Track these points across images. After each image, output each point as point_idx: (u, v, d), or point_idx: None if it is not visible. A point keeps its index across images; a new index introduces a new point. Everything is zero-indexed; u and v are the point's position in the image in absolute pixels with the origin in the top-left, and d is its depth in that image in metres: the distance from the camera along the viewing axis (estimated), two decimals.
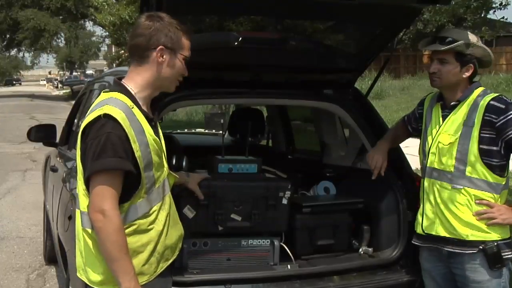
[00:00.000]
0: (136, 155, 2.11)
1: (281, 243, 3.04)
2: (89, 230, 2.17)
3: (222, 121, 3.93)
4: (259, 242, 3.00)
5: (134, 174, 2.12)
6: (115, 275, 2.09)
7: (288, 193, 3.03)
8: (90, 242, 2.18)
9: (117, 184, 2.09)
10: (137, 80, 2.22)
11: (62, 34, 45.14)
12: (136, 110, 2.15)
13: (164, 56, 2.19)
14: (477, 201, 2.61)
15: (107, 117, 2.07)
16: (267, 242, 3.01)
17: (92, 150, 2.07)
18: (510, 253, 2.63)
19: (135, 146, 2.10)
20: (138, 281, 2.12)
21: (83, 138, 2.13)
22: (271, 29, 3.48)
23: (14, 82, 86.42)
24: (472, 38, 2.64)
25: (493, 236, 2.61)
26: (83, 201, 2.19)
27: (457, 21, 25.88)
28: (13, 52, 53.74)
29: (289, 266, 2.99)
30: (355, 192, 3.33)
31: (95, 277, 2.19)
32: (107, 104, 2.12)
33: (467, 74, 2.66)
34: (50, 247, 5.02)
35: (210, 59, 2.97)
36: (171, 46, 2.19)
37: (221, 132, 3.80)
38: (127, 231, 2.13)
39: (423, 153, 2.80)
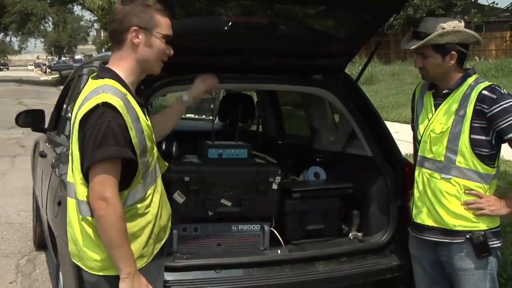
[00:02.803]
0: (133, 142, 2.12)
1: (271, 228, 3.05)
2: (90, 218, 2.17)
3: (212, 106, 3.92)
4: (249, 227, 3.01)
5: (134, 161, 2.13)
6: (116, 261, 2.12)
7: (278, 178, 3.04)
8: (89, 230, 2.18)
9: (117, 171, 2.10)
10: (121, 65, 2.22)
11: (50, 18, 44.62)
12: (130, 97, 2.16)
13: (140, 37, 2.20)
14: (467, 191, 2.61)
15: (106, 105, 2.05)
16: (257, 227, 3.02)
17: (93, 139, 2.05)
18: (497, 241, 2.64)
19: (132, 134, 2.11)
20: (136, 267, 2.15)
21: (81, 127, 2.10)
22: (261, 14, 3.46)
23: (1, 67, 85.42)
24: (448, 25, 2.59)
25: (481, 226, 2.61)
26: (81, 190, 2.17)
27: (446, 6, 25.87)
28: (0, 36, 53.14)
29: (279, 251, 3.01)
30: (345, 177, 3.35)
31: (94, 264, 2.20)
32: (103, 92, 2.09)
33: (452, 62, 2.63)
34: (40, 232, 5.01)
35: (200, 44, 2.95)
36: (144, 26, 2.20)
37: (211, 117, 3.79)
38: (126, 216, 2.14)
39: (417, 142, 2.81)
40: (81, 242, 2.22)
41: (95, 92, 2.11)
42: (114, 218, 2.07)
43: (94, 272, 2.21)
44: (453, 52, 2.61)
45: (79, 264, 2.28)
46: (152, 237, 2.26)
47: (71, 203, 2.25)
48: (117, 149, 2.06)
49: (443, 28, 2.58)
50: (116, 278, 2.14)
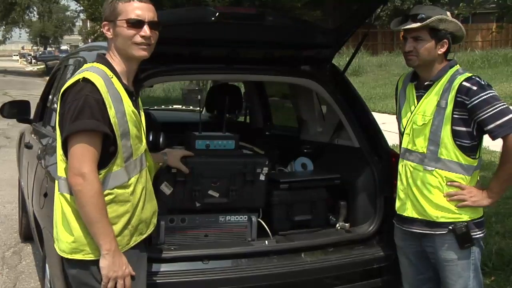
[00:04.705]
0: (112, 121, 2.15)
1: (259, 219, 3.05)
2: (67, 196, 2.20)
3: (199, 97, 3.92)
4: (236, 218, 3.01)
5: (111, 139, 2.16)
6: (96, 238, 2.14)
7: (265, 169, 3.04)
8: (66, 208, 2.21)
9: (95, 146, 2.12)
10: (110, 54, 2.31)
11: (35, 8, 44.15)
12: (115, 80, 2.22)
13: (111, 30, 2.27)
14: (449, 183, 2.63)
15: (86, 81, 2.14)
16: (245, 218, 3.02)
17: (71, 112, 2.12)
18: (479, 232, 2.67)
19: (111, 112, 2.15)
20: (117, 244, 2.17)
21: (62, 101, 2.19)
22: (249, 4, 3.44)
23: None
24: (444, 13, 2.64)
25: (463, 217, 2.63)
26: (60, 167, 2.22)
27: None
28: None
29: (266, 242, 3.01)
30: (332, 168, 3.35)
31: (65, 245, 2.22)
32: (87, 70, 2.20)
33: (442, 50, 2.66)
34: (26, 224, 4.98)
35: (187, 35, 2.94)
36: (109, 18, 2.27)
37: (198, 108, 3.78)
38: (105, 199, 2.16)
39: (401, 134, 2.82)
40: (61, 222, 2.24)
41: (80, 71, 2.23)
42: (91, 193, 2.09)
43: (65, 255, 2.23)
44: (445, 40, 2.65)
45: (56, 248, 2.29)
46: (128, 228, 2.26)
47: (56, 184, 2.30)
48: (93, 122, 2.10)
49: (442, 15, 2.61)
50: (93, 265, 2.16)
